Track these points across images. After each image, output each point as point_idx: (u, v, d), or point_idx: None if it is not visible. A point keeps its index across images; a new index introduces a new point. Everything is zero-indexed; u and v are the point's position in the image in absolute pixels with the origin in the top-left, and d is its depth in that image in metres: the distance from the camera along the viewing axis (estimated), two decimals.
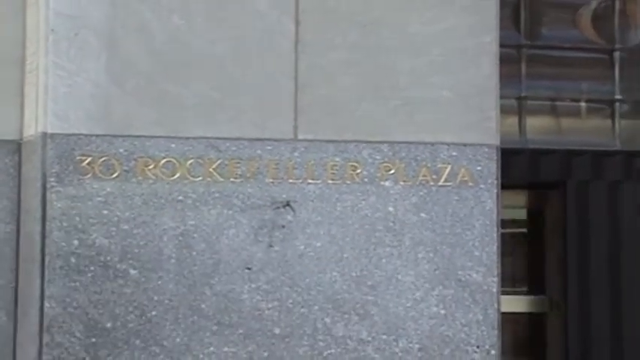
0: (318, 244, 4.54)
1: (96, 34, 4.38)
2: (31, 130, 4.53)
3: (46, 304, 4.25)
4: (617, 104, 6.16)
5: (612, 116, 6.20)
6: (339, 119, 4.61)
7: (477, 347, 4.88)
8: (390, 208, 4.61)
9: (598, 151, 6.17)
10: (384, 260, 4.72)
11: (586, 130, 6.41)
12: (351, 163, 4.59)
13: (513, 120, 6.01)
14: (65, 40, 4.33)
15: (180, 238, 4.41)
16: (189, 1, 4.47)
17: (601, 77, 6.29)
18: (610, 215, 6.36)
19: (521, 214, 6.94)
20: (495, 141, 4.77)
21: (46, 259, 4.28)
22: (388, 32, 4.69)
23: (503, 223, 5.22)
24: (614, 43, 6.19)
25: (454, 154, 4.77)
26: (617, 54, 6.19)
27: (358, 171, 4.59)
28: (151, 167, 4.38)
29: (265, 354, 4.44)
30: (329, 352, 4.71)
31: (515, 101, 5.99)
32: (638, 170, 6.27)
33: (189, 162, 4.41)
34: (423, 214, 4.80)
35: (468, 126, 4.74)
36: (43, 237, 4.30)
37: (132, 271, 4.34)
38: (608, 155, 6.15)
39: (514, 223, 6.77)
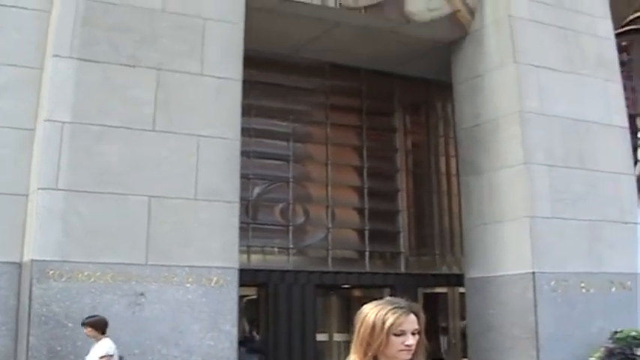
0: (156, 312, 7.70)
1: (57, 214, 7.67)
2: (25, 257, 7.79)
3: (31, 338, 7.28)
4: (290, 249, 10.17)
5: (288, 255, 10.13)
6: (167, 255, 7.90)
7: (227, 359, 8.00)
8: (189, 296, 7.84)
9: (282, 270, 10.18)
10: (186, 320, 7.89)
11: (276, 261, 10.49)
12: (171, 275, 7.82)
13: (245, 256, 9.57)
14: (46, 217, 7.63)
15: (93, 308, 7.49)
16: (102, 200, 7.80)
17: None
18: (288, 299, 10.36)
19: (252, 295, 10.52)
20: (237, 265, 8.11)
21: (31, 317, 7.32)
22: (189, 217, 8.09)
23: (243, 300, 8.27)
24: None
25: (219, 272, 8.11)
26: (291, 227, 10.34)
27: (175, 279, 7.82)
28: (79, 276, 7.53)
29: (137, 351, 7.52)
30: None
31: (246, 247, 9.62)
32: (300, 278, 10.34)
33: (98, 273, 7.61)
34: (204, 299, 7.96)
35: (225, 258, 8.04)
36: (29, 307, 7.34)
37: (69, 324, 7.40)
38: (286, 272, 10.17)
39: (248, 300, 10.34)
